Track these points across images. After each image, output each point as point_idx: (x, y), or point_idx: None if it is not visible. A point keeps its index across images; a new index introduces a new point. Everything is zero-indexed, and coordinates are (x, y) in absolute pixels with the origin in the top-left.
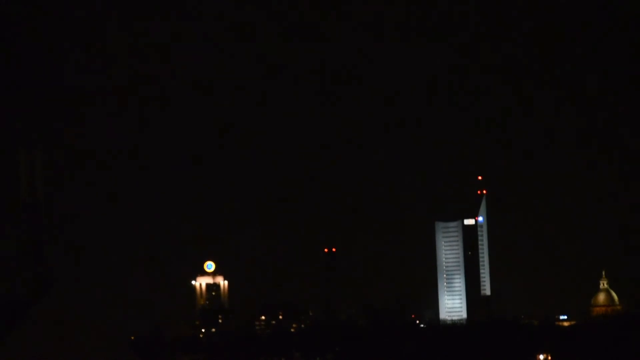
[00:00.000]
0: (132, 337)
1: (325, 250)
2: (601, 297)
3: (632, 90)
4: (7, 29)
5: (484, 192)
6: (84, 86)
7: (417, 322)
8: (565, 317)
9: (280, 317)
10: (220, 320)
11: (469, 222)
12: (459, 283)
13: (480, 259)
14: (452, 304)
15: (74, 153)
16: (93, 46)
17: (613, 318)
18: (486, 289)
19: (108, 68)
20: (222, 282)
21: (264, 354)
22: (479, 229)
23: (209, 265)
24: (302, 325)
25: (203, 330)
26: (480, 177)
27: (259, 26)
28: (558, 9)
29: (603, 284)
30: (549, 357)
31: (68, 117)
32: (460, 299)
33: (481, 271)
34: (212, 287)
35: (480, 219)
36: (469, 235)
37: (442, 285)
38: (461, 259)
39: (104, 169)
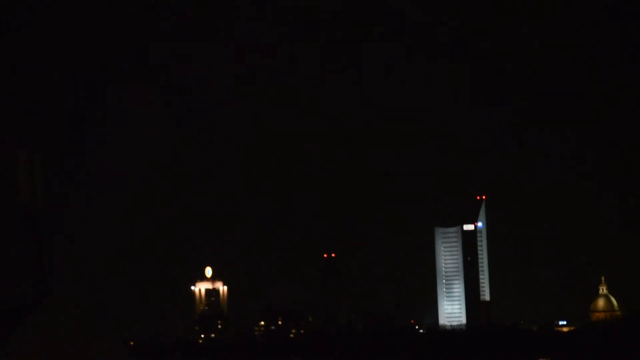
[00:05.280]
0: (132, 342)
1: (325, 255)
2: (600, 302)
3: (631, 94)
4: (7, 29)
5: (483, 197)
6: (84, 86)
7: (417, 327)
8: (565, 322)
9: (280, 322)
10: (219, 326)
11: (469, 227)
12: (459, 288)
13: (480, 265)
14: (452, 310)
15: (73, 156)
16: (92, 46)
17: (612, 323)
18: (485, 295)
19: (107, 67)
20: (222, 288)
21: (263, 359)
22: (478, 234)
23: (209, 271)
24: (302, 331)
25: (202, 335)
26: (479, 183)
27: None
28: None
29: (602, 290)
30: None
31: (66, 119)
32: (460, 304)
33: (480, 276)
34: (212, 293)
35: (479, 224)
36: (469, 241)
37: (441, 291)
38: (460, 265)
39: (103, 173)
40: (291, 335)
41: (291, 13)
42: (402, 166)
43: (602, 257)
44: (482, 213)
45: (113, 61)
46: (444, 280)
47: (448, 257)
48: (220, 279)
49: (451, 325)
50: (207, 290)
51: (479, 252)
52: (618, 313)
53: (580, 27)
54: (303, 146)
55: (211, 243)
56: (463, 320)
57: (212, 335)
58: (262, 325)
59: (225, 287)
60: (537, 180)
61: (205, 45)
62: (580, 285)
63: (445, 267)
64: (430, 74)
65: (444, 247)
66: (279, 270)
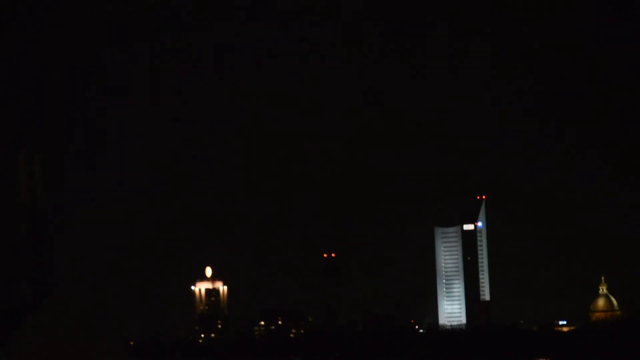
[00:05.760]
0: (132, 342)
1: (325, 255)
2: (600, 302)
3: (631, 94)
4: (7, 29)
5: (483, 197)
6: (84, 86)
7: (417, 327)
8: (565, 322)
9: (280, 322)
10: (219, 326)
11: (468, 227)
12: (458, 288)
13: (480, 264)
14: (452, 309)
15: (72, 157)
16: (91, 46)
17: (612, 323)
18: (485, 294)
19: (107, 68)
20: (222, 288)
21: (263, 359)
22: (478, 234)
23: (209, 271)
24: (302, 331)
25: (202, 335)
26: (479, 182)
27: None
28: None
29: (602, 289)
30: None
31: (66, 119)
32: (460, 304)
33: (480, 276)
34: (212, 293)
35: (479, 224)
36: (468, 241)
37: (441, 291)
38: (460, 264)
39: (103, 173)
40: (291, 335)
41: (290, 13)
42: (402, 166)
43: (602, 257)
44: (482, 213)
45: (113, 61)
46: (444, 280)
47: (448, 257)
48: (220, 279)
49: (451, 325)
50: (207, 290)
51: (479, 252)
52: (618, 313)
53: (580, 27)
54: (303, 146)
55: (211, 243)
56: (463, 320)
57: (212, 335)
58: (262, 325)
59: (225, 287)
60: (537, 180)
61: (205, 46)
62: (580, 285)
63: (445, 267)
64: (430, 74)
65: (444, 247)
66: (279, 270)
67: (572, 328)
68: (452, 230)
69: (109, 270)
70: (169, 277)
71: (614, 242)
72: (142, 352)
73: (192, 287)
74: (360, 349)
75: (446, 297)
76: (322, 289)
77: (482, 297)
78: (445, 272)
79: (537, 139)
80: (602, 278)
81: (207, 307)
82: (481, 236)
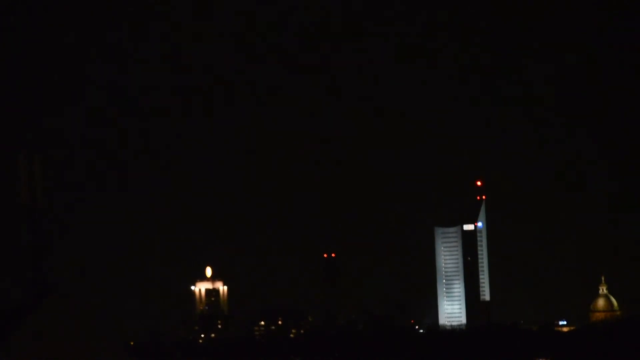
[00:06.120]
0: (132, 343)
1: (325, 255)
2: (600, 302)
3: (631, 94)
4: (7, 29)
5: (484, 197)
6: (83, 86)
7: (417, 327)
8: (565, 322)
9: (280, 322)
10: (219, 326)
11: (469, 227)
12: (459, 288)
13: (480, 265)
14: (452, 310)
15: (72, 157)
16: (91, 46)
17: (612, 323)
18: (485, 295)
19: (106, 68)
20: (222, 288)
21: (263, 359)
22: (478, 234)
23: (209, 271)
24: (302, 331)
25: (202, 335)
26: (479, 183)
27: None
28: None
29: (602, 290)
30: None
31: (66, 119)
32: (460, 304)
33: (480, 277)
34: (212, 293)
35: (479, 224)
36: (469, 241)
37: (441, 291)
38: (460, 265)
39: (103, 173)
40: (291, 335)
41: (290, 12)
42: (402, 166)
43: (602, 257)
44: (482, 213)
45: (113, 61)
46: (444, 280)
47: (448, 257)
48: (220, 279)
49: (451, 325)
50: (207, 290)
51: (479, 252)
52: (618, 313)
53: (580, 27)
54: (303, 146)
55: (211, 243)
56: (463, 320)
57: (212, 335)
58: (262, 325)
59: (225, 287)
60: (537, 180)
61: (206, 46)
62: (580, 285)
63: (445, 267)
64: (431, 74)
65: (444, 247)
66: (279, 270)
67: (572, 328)
68: (452, 230)
69: (109, 270)
70: (169, 277)
71: (614, 242)
72: (142, 352)
73: (192, 287)
74: (360, 349)
75: (446, 297)
76: (322, 289)
77: (482, 297)
78: (445, 272)
79: (537, 139)
80: (602, 278)
81: (207, 307)
82: (481, 236)
